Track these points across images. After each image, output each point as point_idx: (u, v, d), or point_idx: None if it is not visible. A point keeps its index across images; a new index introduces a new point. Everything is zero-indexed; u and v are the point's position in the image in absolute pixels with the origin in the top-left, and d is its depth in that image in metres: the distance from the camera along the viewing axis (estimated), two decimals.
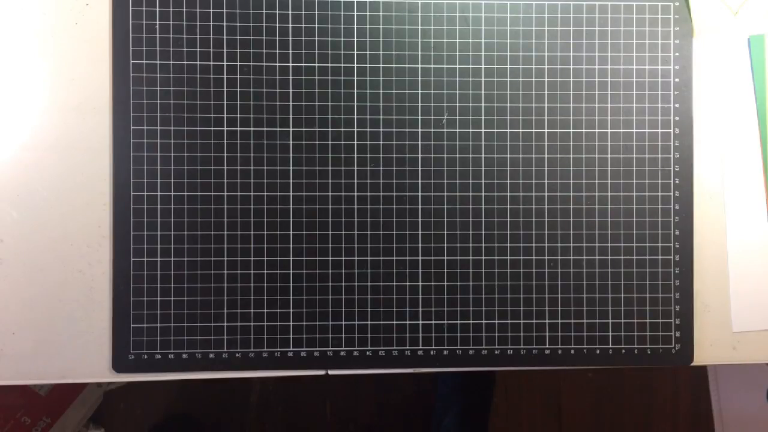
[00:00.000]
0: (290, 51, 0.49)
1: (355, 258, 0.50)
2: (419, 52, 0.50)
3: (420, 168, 0.50)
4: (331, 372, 0.50)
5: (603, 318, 0.50)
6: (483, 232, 0.50)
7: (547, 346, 0.50)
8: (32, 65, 0.49)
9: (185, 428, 1.15)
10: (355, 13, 0.50)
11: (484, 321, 0.50)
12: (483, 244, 0.50)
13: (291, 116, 0.49)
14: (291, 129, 0.49)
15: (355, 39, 0.50)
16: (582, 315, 0.50)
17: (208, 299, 0.49)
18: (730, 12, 0.51)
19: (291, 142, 0.49)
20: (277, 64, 0.49)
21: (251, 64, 0.49)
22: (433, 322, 0.50)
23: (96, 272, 0.49)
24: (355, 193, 0.50)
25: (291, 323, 0.49)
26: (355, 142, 0.50)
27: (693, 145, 0.51)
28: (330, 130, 0.50)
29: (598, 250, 0.50)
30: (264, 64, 0.49)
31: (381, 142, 0.50)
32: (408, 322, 0.50)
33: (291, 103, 0.49)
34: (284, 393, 1.16)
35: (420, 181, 0.50)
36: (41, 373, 0.49)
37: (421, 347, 0.50)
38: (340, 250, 0.50)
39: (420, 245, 0.50)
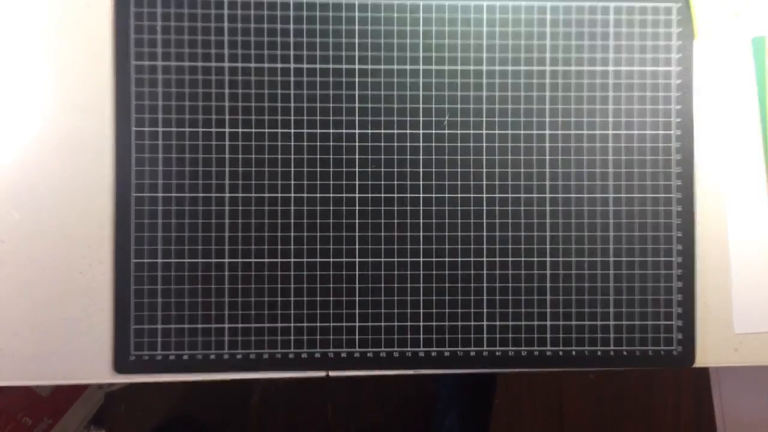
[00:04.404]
0: (291, 52, 0.49)
1: (356, 259, 0.50)
2: (420, 54, 0.50)
3: (421, 169, 0.50)
4: (332, 373, 0.50)
5: (604, 319, 0.50)
6: (484, 233, 0.50)
7: (549, 348, 0.50)
8: (34, 66, 0.49)
9: (186, 429, 1.15)
10: (357, 15, 0.50)
11: (485, 322, 0.50)
12: (484, 246, 0.50)
13: (292, 117, 0.49)
14: (292, 130, 0.49)
15: (357, 40, 0.50)
16: (583, 316, 0.50)
17: (209, 300, 0.49)
18: (732, 14, 0.51)
19: (292, 143, 0.49)
20: (279, 65, 0.49)
21: (252, 65, 0.49)
22: (434, 323, 0.50)
23: (97, 273, 0.49)
24: (356, 195, 0.50)
25: (292, 324, 0.49)
26: (356, 144, 0.50)
27: (694, 146, 0.51)
28: (331, 131, 0.50)
29: (600, 252, 0.50)
30: (265, 65, 0.49)
31: (382, 144, 0.50)
32: (409, 323, 0.50)
33: (292, 105, 0.49)
34: (285, 394, 1.16)
35: (421, 182, 0.50)
36: (42, 373, 0.49)
37: (422, 348, 0.50)
38: (341, 252, 0.50)
39: (421, 247, 0.50)
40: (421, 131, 0.50)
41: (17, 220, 0.48)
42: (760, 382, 1.11)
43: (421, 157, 0.50)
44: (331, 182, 0.49)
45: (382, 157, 0.50)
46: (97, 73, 0.49)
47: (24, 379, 0.49)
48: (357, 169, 0.50)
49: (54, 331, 0.49)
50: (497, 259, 0.50)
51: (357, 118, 0.50)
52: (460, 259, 0.50)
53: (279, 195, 0.49)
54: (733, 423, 1.15)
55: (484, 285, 0.50)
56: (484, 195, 0.50)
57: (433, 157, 0.50)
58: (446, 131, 0.50)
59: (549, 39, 0.50)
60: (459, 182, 0.50)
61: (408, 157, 0.50)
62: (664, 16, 0.50)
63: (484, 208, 0.50)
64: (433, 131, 0.50)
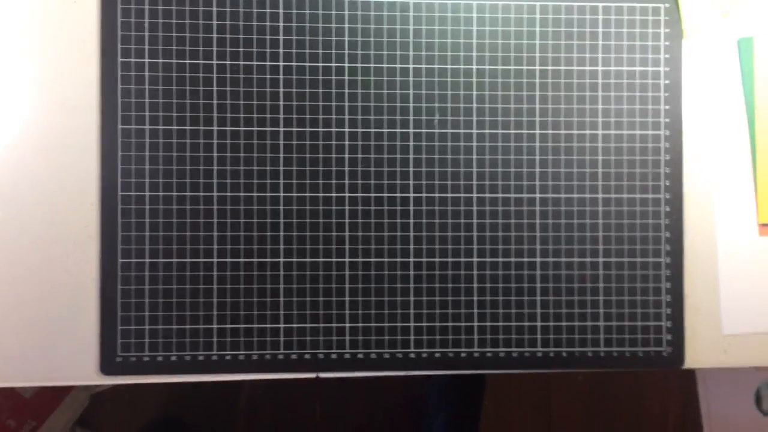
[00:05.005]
0: (281, 50, 0.49)
1: (346, 259, 0.49)
2: (411, 52, 0.50)
3: (411, 169, 0.50)
4: (321, 375, 0.50)
5: (594, 320, 0.50)
6: (474, 233, 0.50)
7: (539, 349, 0.50)
8: (19, 63, 0.48)
9: (173, 431, 1.14)
10: (347, 13, 0.49)
11: (475, 323, 0.50)
12: (474, 246, 0.50)
13: (281, 116, 0.49)
14: (281, 129, 0.49)
15: (347, 38, 0.49)
16: (573, 317, 0.50)
17: (197, 301, 0.49)
18: (720, 14, 0.52)
19: (281, 142, 0.49)
20: (268, 63, 0.49)
21: (241, 63, 0.49)
22: (424, 324, 0.50)
23: (83, 273, 0.48)
24: (346, 194, 0.49)
25: (281, 325, 0.49)
26: (346, 143, 0.49)
27: (683, 146, 0.51)
28: (321, 130, 0.49)
29: (589, 252, 0.50)
30: (254, 63, 0.49)
31: (372, 143, 0.49)
32: (399, 324, 0.50)
33: (281, 103, 0.49)
34: (274, 395, 1.15)
35: (411, 182, 0.50)
36: (26, 375, 0.48)
37: (412, 350, 0.50)
38: (330, 252, 0.49)
39: (411, 247, 0.50)
40: (411, 130, 0.50)
41: (2, 219, 0.48)
42: (746, 383, 1.12)
43: (411, 156, 0.50)
44: (321, 181, 0.49)
45: (372, 156, 0.49)
46: (83, 70, 0.48)
47: (7, 381, 0.48)
48: (346, 168, 0.49)
49: (39, 332, 0.48)
50: (487, 259, 0.50)
51: (347, 116, 0.49)
52: (450, 260, 0.50)
53: (268, 194, 0.49)
54: (719, 424, 1.16)
55: (474, 285, 0.50)
56: (474, 195, 0.50)
57: (423, 156, 0.50)
58: (436, 130, 0.50)
59: (538, 38, 0.50)
60: (449, 182, 0.50)
61: (398, 156, 0.50)
62: (652, 16, 0.51)
63: (474, 207, 0.50)
64: (423, 130, 0.50)
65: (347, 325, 0.49)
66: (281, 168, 0.49)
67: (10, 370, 0.48)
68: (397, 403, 1.16)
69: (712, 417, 1.16)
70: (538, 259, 0.50)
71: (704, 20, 0.52)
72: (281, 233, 0.49)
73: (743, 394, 1.12)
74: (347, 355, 0.49)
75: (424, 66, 0.50)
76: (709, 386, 1.17)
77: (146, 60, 0.48)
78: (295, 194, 0.49)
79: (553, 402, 1.19)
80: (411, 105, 0.50)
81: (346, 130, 0.49)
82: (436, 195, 0.50)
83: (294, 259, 0.49)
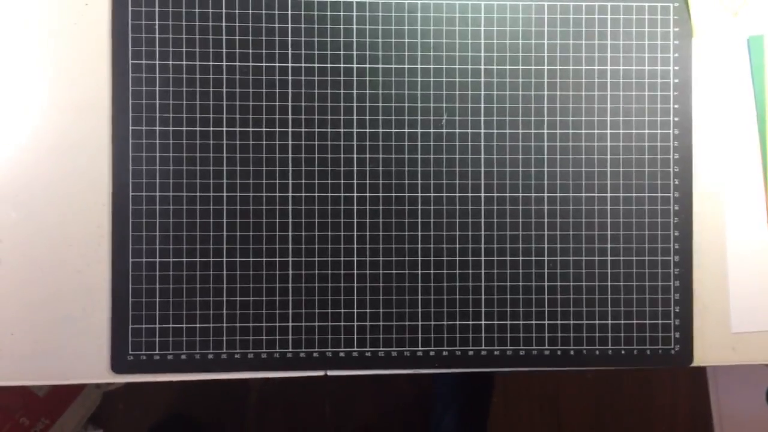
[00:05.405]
0: (289, 51, 0.49)
1: (354, 258, 0.50)
2: (419, 53, 0.50)
3: (419, 168, 0.50)
4: (330, 373, 0.50)
5: (602, 319, 0.50)
6: (482, 232, 0.50)
7: (547, 347, 0.50)
8: (31, 65, 0.49)
9: (184, 429, 1.15)
10: (355, 14, 0.49)
11: (483, 322, 0.50)
12: (482, 245, 0.50)
13: (290, 116, 0.49)
14: (290, 129, 0.49)
15: (355, 39, 0.50)
16: (581, 316, 0.50)
17: (207, 300, 0.49)
18: (730, 13, 0.51)
19: (290, 142, 0.49)
20: (277, 64, 0.49)
21: (250, 64, 0.49)
22: (432, 322, 0.50)
23: (95, 272, 0.49)
24: (354, 194, 0.50)
25: (290, 324, 0.49)
26: (354, 143, 0.50)
27: (692, 145, 0.51)
28: (329, 130, 0.50)
29: (598, 251, 0.50)
30: (263, 64, 0.49)
31: (380, 143, 0.50)
32: (407, 322, 0.50)
33: (290, 104, 0.49)
34: (283, 393, 1.16)
35: (419, 181, 0.50)
36: (40, 373, 0.49)
37: (420, 348, 0.50)
38: (339, 251, 0.50)
39: (419, 246, 0.50)
40: (419, 130, 0.50)
41: (15, 219, 0.48)
42: (756, 381, 1.12)
43: (419, 156, 0.50)
44: (329, 181, 0.49)
45: (380, 156, 0.50)
46: (95, 71, 0.49)
47: (21, 379, 0.49)
48: (355, 169, 0.50)
49: (51, 331, 0.48)
50: (495, 258, 0.50)
51: (354, 117, 0.50)
52: (458, 259, 0.50)
53: (277, 194, 0.49)
54: (730, 422, 1.15)
55: (482, 284, 0.50)
56: (482, 194, 0.50)
57: (431, 156, 0.50)
58: (444, 130, 0.50)
59: (547, 38, 0.50)
60: (457, 181, 0.50)
61: (406, 156, 0.50)
62: (661, 15, 0.51)
63: (482, 207, 0.50)
64: (431, 130, 0.50)
65: (355, 323, 0.50)
66: (290, 168, 0.49)
67: (23, 369, 0.49)
68: (405, 401, 1.16)
69: (723, 414, 1.16)
70: (546, 258, 0.50)
71: (714, 19, 0.51)
72: (290, 233, 0.49)
73: (754, 391, 1.11)
74: (355, 353, 0.50)
75: (431, 66, 0.50)
76: (720, 383, 1.17)
77: (157, 61, 0.49)
78: (303, 194, 0.49)
79: (562, 399, 1.19)
80: (419, 105, 0.50)
81: (354, 130, 0.50)
82: (444, 194, 0.50)
83: (303, 258, 0.49)
